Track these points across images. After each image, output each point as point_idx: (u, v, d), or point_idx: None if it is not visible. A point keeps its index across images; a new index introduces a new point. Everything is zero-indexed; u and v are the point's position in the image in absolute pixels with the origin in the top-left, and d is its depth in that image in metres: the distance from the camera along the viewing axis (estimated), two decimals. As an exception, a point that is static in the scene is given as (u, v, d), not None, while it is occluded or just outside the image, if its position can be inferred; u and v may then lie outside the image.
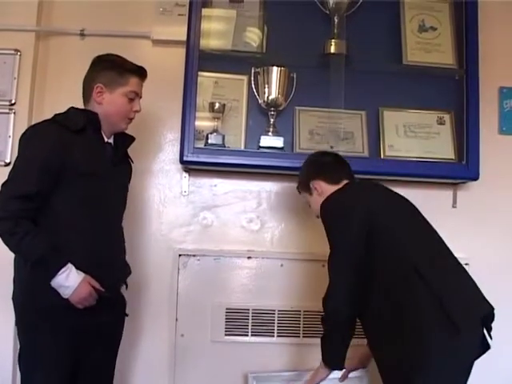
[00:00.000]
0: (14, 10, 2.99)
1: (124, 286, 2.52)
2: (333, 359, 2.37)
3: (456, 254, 2.30)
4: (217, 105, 2.91)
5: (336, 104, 2.97)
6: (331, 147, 2.97)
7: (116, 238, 2.45)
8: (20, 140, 2.30)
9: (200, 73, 2.92)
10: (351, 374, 2.76)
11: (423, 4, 3.18)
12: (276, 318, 2.98)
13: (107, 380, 2.48)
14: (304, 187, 2.59)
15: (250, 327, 2.98)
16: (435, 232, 2.34)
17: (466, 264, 2.85)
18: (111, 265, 2.35)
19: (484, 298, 2.20)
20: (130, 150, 2.59)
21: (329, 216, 2.39)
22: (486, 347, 2.20)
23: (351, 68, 3.01)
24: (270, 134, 2.96)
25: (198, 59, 2.90)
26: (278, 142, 2.93)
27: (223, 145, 2.90)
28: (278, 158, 2.90)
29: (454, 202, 3.17)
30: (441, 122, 3.11)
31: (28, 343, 2.26)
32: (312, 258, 3.00)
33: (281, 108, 3.00)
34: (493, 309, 2.18)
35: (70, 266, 2.17)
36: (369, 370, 2.72)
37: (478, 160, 2.98)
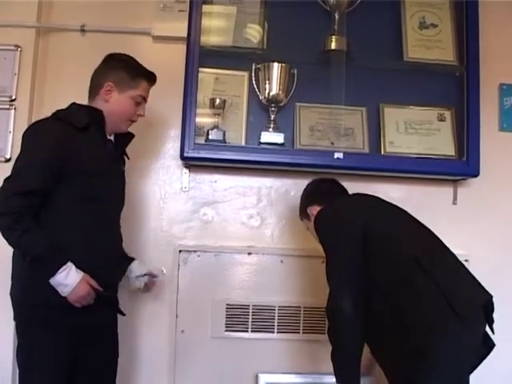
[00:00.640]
0: (15, 5, 2.99)
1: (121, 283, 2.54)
2: (349, 375, 2.27)
3: (456, 251, 2.32)
4: (217, 101, 2.91)
5: (336, 100, 2.97)
6: (332, 143, 2.98)
7: (115, 236, 2.46)
8: (23, 136, 2.30)
9: (201, 69, 2.92)
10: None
11: (424, 1, 3.19)
12: (276, 314, 2.98)
13: (108, 379, 2.48)
14: (303, 213, 2.69)
15: (250, 323, 2.98)
16: (431, 231, 2.35)
17: (466, 261, 2.85)
18: (110, 263, 2.36)
19: (483, 287, 2.22)
20: (130, 146, 2.60)
21: (322, 226, 2.43)
22: (490, 347, 2.21)
23: (352, 64, 3.00)
24: (270, 130, 2.95)
25: (199, 55, 2.90)
26: (278, 138, 2.93)
27: (224, 141, 2.90)
28: (279, 154, 2.90)
29: (455, 198, 3.17)
30: (441, 119, 3.11)
31: (26, 339, 2.26)
32: (312, 254, 2.99)
33: (281, 104, 3.00)
34: (491, 297, 2.20)
35: (69, 264, 2.16)
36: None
37: (479, 157, 2.98)
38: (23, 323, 2.27)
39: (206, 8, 2.99)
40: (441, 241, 2.32)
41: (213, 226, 3.07)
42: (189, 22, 2.93)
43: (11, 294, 2.29)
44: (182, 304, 2.97)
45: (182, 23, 2.96)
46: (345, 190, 2.64)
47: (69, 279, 2.15)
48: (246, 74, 3.05)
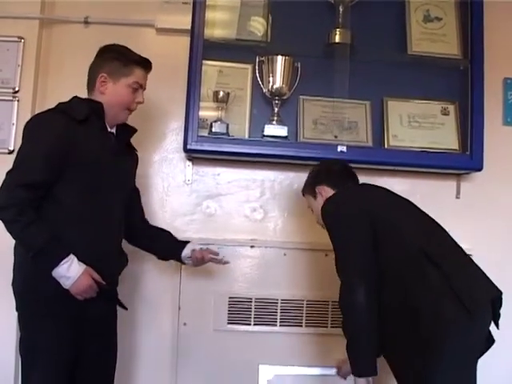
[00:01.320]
0: (18, -3, 2.99)
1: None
2: (365, 364, 2.21)
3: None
4: (221, 93, 2.91)
5: (340, 93, 2.97)
6: (335, 137, 2.97)
7: (116, 229, 2.45)
8: (24, 129, 2.31)
9: (204, 61, 2.92)
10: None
11: (429, -6, 3.18)
12: (279, 307, 2.98)
13: (108, 371, 2.48)
14: (309, 191, 2.62)
15: (252, 316, 2.98)
16: (439, 224, 2.34)
17: (470, 255, 2.85)
18: (110, 255, 2.36)
19: (492, 282, 2.22)
20: (133, 139, 2.60)
21: (332, 213, 2.39)
22: (490, 343, 2.22)
23: (356, 58, 2.99)
24: (274, 123, 2.95)
25: (203, 48, 2.89)
26: (281, 131, 2.93)
27: (227, 133, 2.90)
28: (282, 147, 2.89)
29: (458, 192, 3.17)
30: (445, 113, 3.11)
31: (28, 331, 2.28)
32: (315, 247, 3.00)
33: (285, 97, 3.00)
34: (501, 293, 2.20)
35: (72, 257, 2.17)
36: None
37: (482, 151, 2.97)
38: (25, 314, 2.28)
39: (209, 0, 2.98)
40: (448, 234, 2.31)
41: (216, 218, 3.07)
42: (193, 14, 2.92)
43: (13, 286, 2.30)
44: (184, 297, 2.97)
45: (185, 15, 2.95)
46: (355, 176, 2.61)
47: (71, 271, 2.15)
48: (249, 66, 3.05)
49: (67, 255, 2.16)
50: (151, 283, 3.00)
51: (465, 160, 3.01)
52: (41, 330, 2.22)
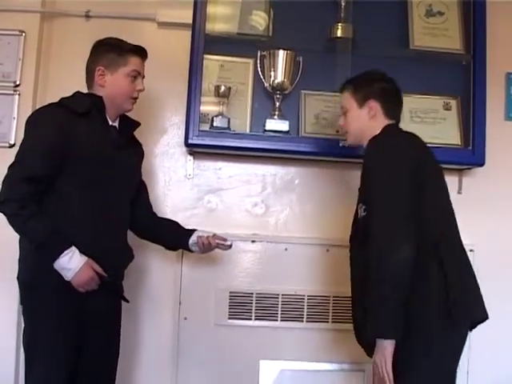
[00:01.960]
0: (19, -10, 2.98)
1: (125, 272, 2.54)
2: (393, 326, 2.01)
3: (461, 241, 2.31)
4: (222, 88, 2.90)
5: (342, 88, 2.96)
6: (337, 131, 2.96)
7: (119, 222, 2.46)
8: (26, 123, 2.33)
9: (205, 56, 2.91)
10: (352, 367, 2.82)
11: (431, -11, 3.17)
12: (280, 302, 2.98)
13: (110, 365, 2.49)
14: (359, 97, 2.38)
15: (253, 311, 2.98)
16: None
17: (471, 250, 2.86)
18: (112, 248, 2.36)
19: (483, 303, 2.17)
20: (134, 133, 2.59)
21: (379, 156, 2.19)
22: None
23: (357, 52, 2.98)
24: (275, 117, 2.94)
25: (204, 42, 2.89)
26: (283, 125, 2.92)
27: (228, 128, 2.89)
28: (284, 142, 2.89)
29: (460, 188, 3.16)
30: (447, 108, 3.10)
31: (31, 323, 2.29)
32: (316, 242, 3.01)
33: (286, 92, 2.99)
34: (487, 318, 2.17)
35: (73, 248, 2.18)
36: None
37: (484, 146, 2.97)
38: (29, 307, 2.30)
39: (211, -6, 2.97)
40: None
41: (217, 213, 3.07)
42: (194, 8, 2.91)
43: (18, 278, 2.33)
44: (185, 291, 2.97)
45: (187, 9, 2.94)
46: (400, 114, 2.43)
47: (72, 263, 2.17)
48: (251, 61, 3.04)
49: (68, 247, 2.17)
50: (152, 278, 3.00)
51: (467, 155, 3.00)
52: (44, 323, 2.24)
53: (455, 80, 3.13)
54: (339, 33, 3.00)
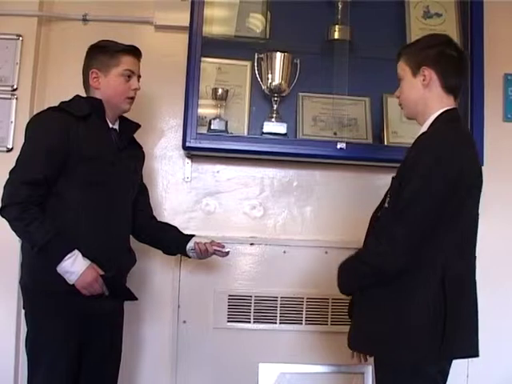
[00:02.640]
0: (17, -6, 2.98)
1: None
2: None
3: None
4: (220, 91, 2.90)
5: (340, 90, 2.96)
6: (335, 133, 2.96)
7: (122, 225, 2.46)
8: (26, 127, 2.34)
9: (203, 58, 2.90)
10: (351, 369, 2.82)
11: (428, -10, 3.17)
12: (278, 305, 2.98)
13: (112, 370, 2.49)
14: (413, 63, 2.15)
15: (252, 314, 2.97)
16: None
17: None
18: (116, 252, 2.37)
19: (477, 337, 2.09)
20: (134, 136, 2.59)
21: (431, 156, 1.97)
22: None
23: (355, 54, 2.99)
24: (273, 120, 2.94)
25: (201, 45, 2.88)
26: (281, 128, 2.92)
27: (226, 131, 2.90)
28: (281, 145, 2.88)
29: (458, 188, 3.15)
30: (445, 109, 3.09)
31: (34, 327, 2.29)
32: (315, 244, 3.01)
33: (284, 94, 2.99)
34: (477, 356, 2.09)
35: (76, 252, 2.19)
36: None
37: (483, 147, 2.94)
38: (32, 311, 2.31)
39: (208, -3, 2.97)
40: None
41: (215, 216, 3.06)
42: (191, 11, 2.90)
43: (21, 282, 2.34)
44: (183, 294, 2.97)
45: (184, 12, 2.94)
46: (461, 88, 2.20)
47: (75, 266, 2.18)
48: (248, 63, 3.04)
49: (71, 250, 2.18)
50: (151, 281, 2.99)
51: (465, 156, 2.99)
52: (47, 327, 2.24)
53: (453, 81, 3.12)
54: (336, 35, 3.00)
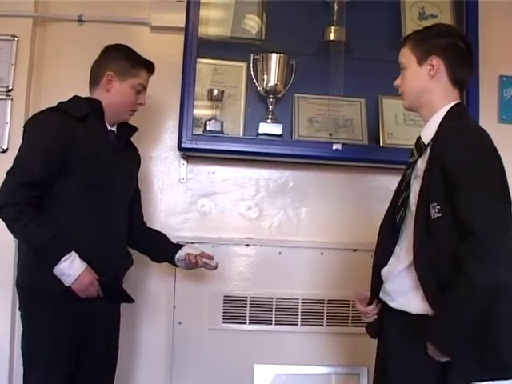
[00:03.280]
0: (12, -5, 2.97)
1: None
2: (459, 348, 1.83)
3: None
4: (215, 92, 2.90)
5: (335, 91, 2.97)
6: (330, 135, 2.97)
7: (118, 226, 2.46)
8: (24, 127, 2.35)
9: (199, 59, 2.90)
10: (347, 370, 2.83)
11: (423, -8, 3.17)
12: (274, 306, 2.97)
13: (109, 372, 2.49)
14: (419, 52, 2.04)
15: (247, 315, 2.97)
16: None
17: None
18: (113, 254, 2.37)
19: None
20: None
21: (472, 146, 1.89)
22: None
23: (351, 55, 3.00)
24: (268, 121, 2.94)
25: (197, 46, 2.88)
26: (276, 129, 2.92)
27: (222, 132, 2.89)
28: (277, 146, 2.88)
29: (454, 190, 3.15)
30: (440, 111, 3.10)
31: (30, 328, 2.28)
32: (310, 245, 3.00)
33: (280, 95, 2.99)
34: None
35: (73, 254, 2.19)
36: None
37: (478, 148, 2.96)
38: (28, 312, 2.30)
39: (204, -2, 2.97)
40: None
41: (210, 217, 3.06)
42: (187, 12, 2.90)
43: (17, 283, 2.34)
44: (179, 296, 2.96)
45: (180, 13, 2.94)
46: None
47: (72, 269, 2.17)
48: (244, 64, 3.04)
49: (68, 252, 2.17)
50: (146, 282, 2.99)
51: (460, 157, 3.00)
52: (43, 328, 2.24)
53: (448, 83, 3.12)
54: (332, 36, 3.01)
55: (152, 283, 2.99)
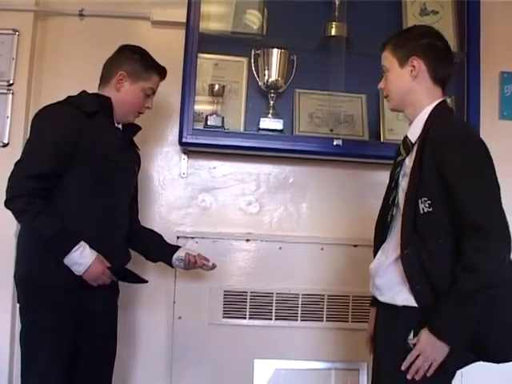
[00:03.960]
0: (13, -11, 2.97)
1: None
2: (464, 337, 1.85)
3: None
4: (216, 87, 2.90)
5: (336, 87, 2.97)
6: (331, 130, 2.97)
7: (120, 222, 2.47)
8: (33, 120, 2.34)
9: (200, 55, 2.90)
10: (347, 366, 2.84)
11: (425, -13, 3.17)
12: (274, 301, 2.98)
13: (107, 367, 2.49)
14: (400, 54, 2.10)
15: (247, 310, 2.97)
16: None
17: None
18: (115, 248, 2.38)
19: None
20: (129, 132, 2.60)
21: (468, 144, 1.97)
22: None
23: (352, 51, 2.99)
24: (269, 116, 2.94)
25: (198, 41, 2.88)
26: (277, 124, 2.92)
27: (222, 127, 2.89)
28: (278, 141, 2.88)
29: (454, 186, 3.15)
30: (441, 107, 3.10)
31: (29, 321, 2.29)
32: (311, 241, 3.01)
33: (281, 90, 2.99)
34: None
35: (83, 243, 2.20)
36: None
37: (478, 145, 2.96)
38: (27, 305, 2.30)
39: (205, -7, 2.97)
40: None
41: (211, 212, 3.06)
42: (188, 7, 2.90)
43: (15, 277, 2.34)
44: (179, 290, 2.97)
45: (181, 8, 2.94)
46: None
47: (83, 257, 2.18)
48: (245, 60, 3.04)
49: (79, 241, 2.19)
50: (146, 277, 2.96)
51: (461, 154, 3.00)
52: (42, 321, 2.24)
53: (449, 79, 3.13)
54: (333, 32, 3.00)
55: (152, 278, 2.97)
